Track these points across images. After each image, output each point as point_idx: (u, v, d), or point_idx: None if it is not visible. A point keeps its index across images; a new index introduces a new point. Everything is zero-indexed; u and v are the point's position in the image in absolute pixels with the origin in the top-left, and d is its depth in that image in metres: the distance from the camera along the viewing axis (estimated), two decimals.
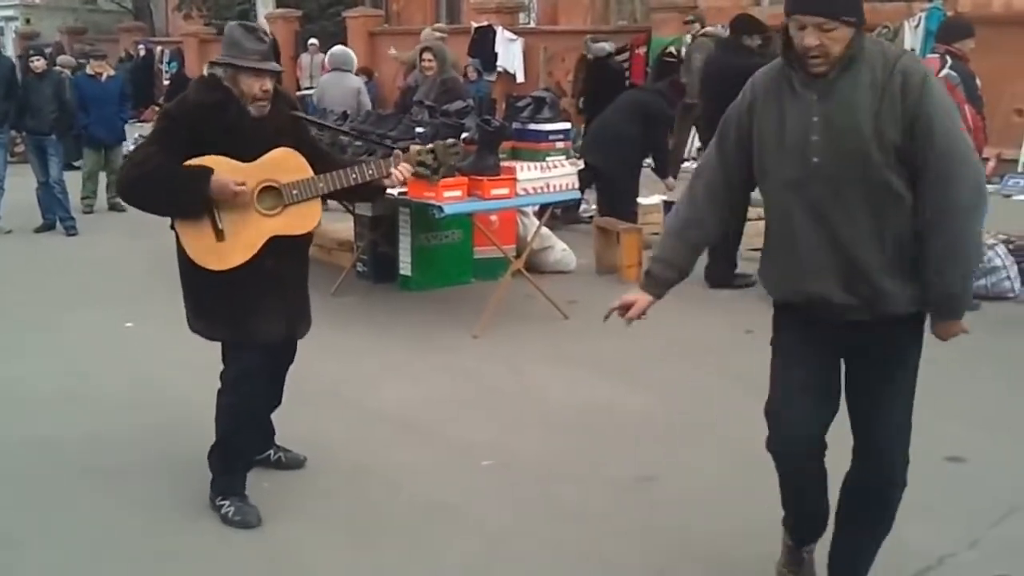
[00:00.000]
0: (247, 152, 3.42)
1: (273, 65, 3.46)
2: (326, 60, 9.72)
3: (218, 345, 3.65)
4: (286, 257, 3.51)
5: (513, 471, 4.01)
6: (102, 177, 10.32)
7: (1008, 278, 6.50)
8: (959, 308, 2.65)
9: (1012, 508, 3.66)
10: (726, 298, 6.61)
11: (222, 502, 3.56)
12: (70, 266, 7.99)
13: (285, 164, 3.47)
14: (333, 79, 8.87)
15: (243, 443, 3.65)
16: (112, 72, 10.69)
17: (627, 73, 14.33)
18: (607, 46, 12.13)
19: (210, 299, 3.50)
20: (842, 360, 2.76)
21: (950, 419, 4.51)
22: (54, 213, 9.28)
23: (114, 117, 10.27)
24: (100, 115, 10.03)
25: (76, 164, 10.64)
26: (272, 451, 3.96)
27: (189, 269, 3.49)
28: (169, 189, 3.36)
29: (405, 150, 3.78)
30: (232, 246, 3.41)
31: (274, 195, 3.45)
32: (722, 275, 6.80)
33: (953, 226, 2.52)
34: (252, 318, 3.47)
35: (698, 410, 4.59)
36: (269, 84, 3.44)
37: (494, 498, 3.78)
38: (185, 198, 3.38)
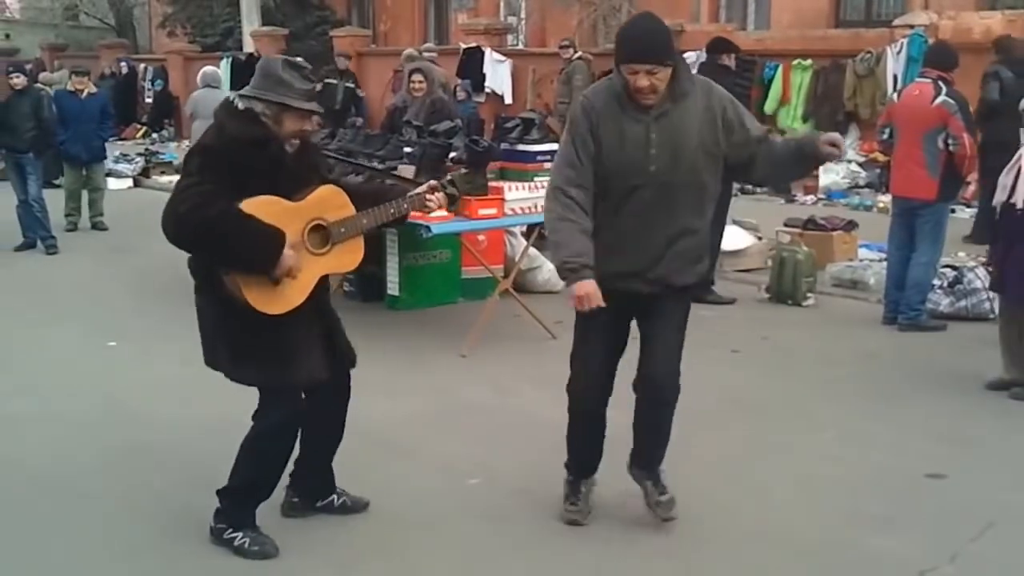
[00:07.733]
0: (287, 190, 3.32)
1: (318, 106, 3.42)
2: (198, 78, 10.88)
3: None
4: (324, 291, 3.50)
5: (499, 490, 4.03)
6: (85, 195, 10.19)
7: (988, 299, 6.58)
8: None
9: (990, 523, 3.72)
10: (707, 316, 6.66)
11: (234, 534, 3.46)
12: (51, 285, 7.90)
13: (331, 202, 3.42)
14: (204, 95, 10.07)
15: (271, 487, 3.54)
16: (94, 89, 10.45)
17: None
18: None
19: (254, 344, 3.34)
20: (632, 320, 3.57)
21: (929, 437, 4.58)
22: (35, 232, 9.12)
23: (93, 135, 10.01)
24: (78, 132, 9.76)
25: (57, 182, 10.51)
26: (335, 496, 3.78)
27: (229, 315, 3.32)
28: (240, 244, 3.18)
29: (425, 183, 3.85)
30: (288, 288, 3.31)
31: (322, 234, 3.40)
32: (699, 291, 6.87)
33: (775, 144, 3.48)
34: (300, 358, 3.36)
35: (681, 426, 4.62)
36: (311, 125, 3.42)
37: (480, 517, 3.80)
38: (256, 259, 3.21)
